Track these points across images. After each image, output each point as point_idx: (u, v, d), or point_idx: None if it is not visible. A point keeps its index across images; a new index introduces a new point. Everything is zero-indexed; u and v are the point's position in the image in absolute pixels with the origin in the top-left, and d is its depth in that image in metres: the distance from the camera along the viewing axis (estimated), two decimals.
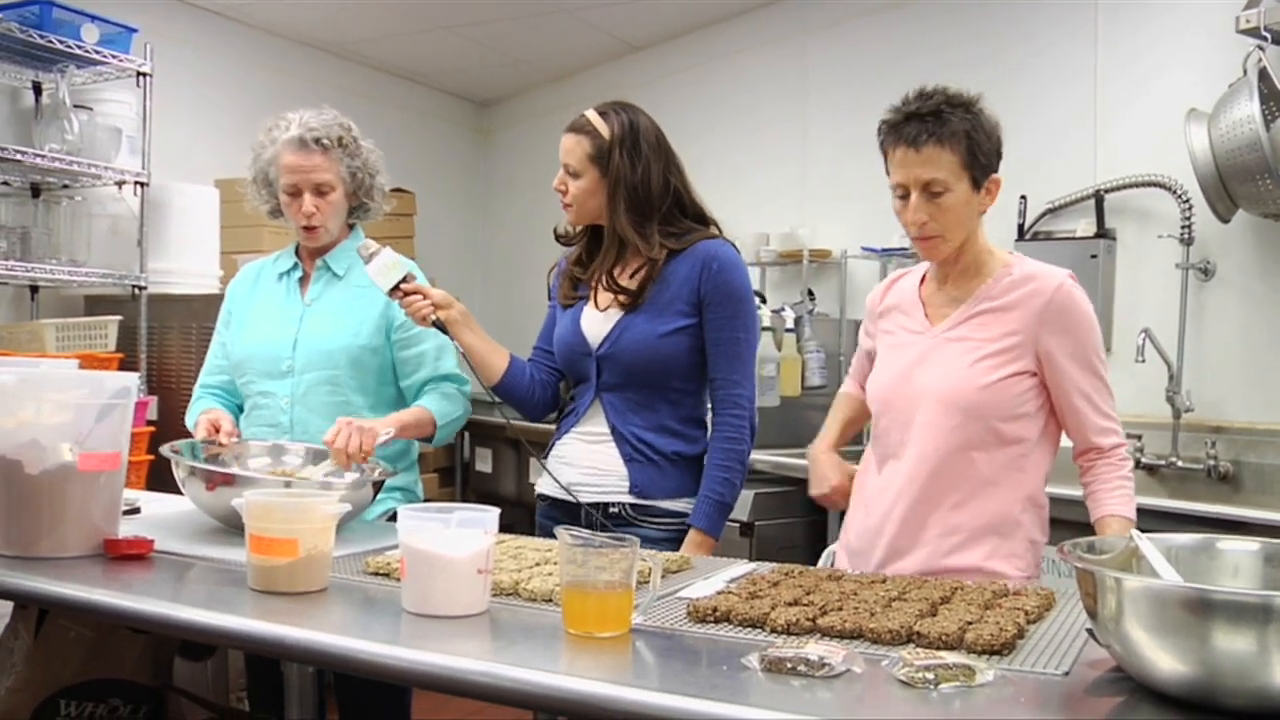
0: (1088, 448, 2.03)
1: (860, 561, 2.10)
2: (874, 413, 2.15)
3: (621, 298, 2.32)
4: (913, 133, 1.95)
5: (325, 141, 2.51)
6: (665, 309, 2.30)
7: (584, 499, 2.33)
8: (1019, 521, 2.01)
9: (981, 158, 1.96)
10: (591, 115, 2.34)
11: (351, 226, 2.67)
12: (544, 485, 2.44)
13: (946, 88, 1.98)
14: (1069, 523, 2.20)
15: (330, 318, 2.55)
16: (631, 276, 2.33)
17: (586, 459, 2.36)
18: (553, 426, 2.49)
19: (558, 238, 2.52)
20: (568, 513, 2.36)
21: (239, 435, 2.47)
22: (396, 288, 2.29)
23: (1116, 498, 2.00)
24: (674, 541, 2.28)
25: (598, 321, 2.36)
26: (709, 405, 2.40)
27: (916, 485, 2.02)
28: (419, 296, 2.29)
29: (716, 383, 2.34)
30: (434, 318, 2.30)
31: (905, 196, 1.99)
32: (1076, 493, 2.10)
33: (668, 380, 2.33)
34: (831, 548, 2.30)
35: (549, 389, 2.49)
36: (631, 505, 2.31)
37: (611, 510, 2.32)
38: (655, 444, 2.32)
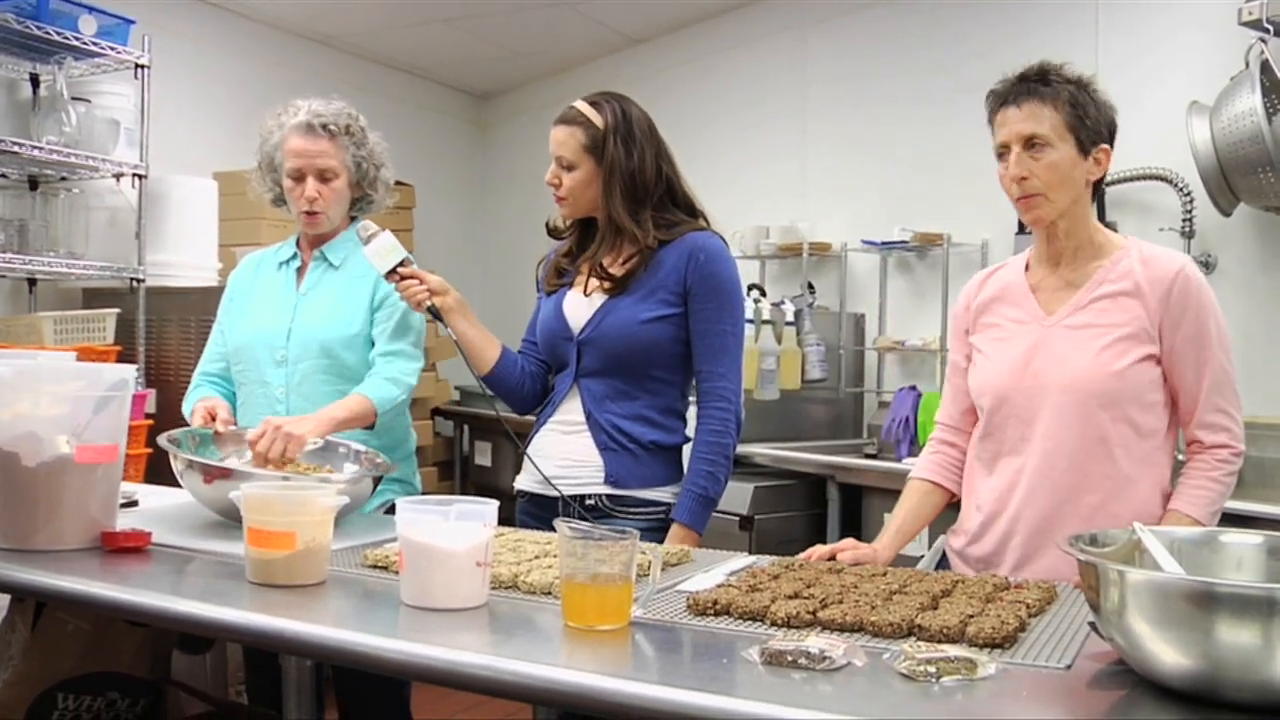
0: (1191, 439, 1.97)
1: (984, 565, 2.01)
2: (985, 408, 2.04)
3: (607, 284, 2.31)
4: (1016, 93, 1.94)
5: (332, 128, 2.52)
6: (649, 296, 2.29)
7: (562, 491, 2.31)
8: (1160, 520, 1.93)
9: (1089, 121, 1.91)
10: (582, 106, 2.33)
11: (353, 219, 2.66)
12: (522, 481, 2.43)
13: (1053, 65, 1.96)
14: None
15: (324, 307, 2.55)
16: (622, 264, 2.32)
17: (562, 450, 2.34)
18: None
19: (549, 231, 2.51)
20: (546, 507, 2.34)
21: (235, 423, 2.46)
22: (393, 271, 2.29)
23: (1195, 496, 1.93)
24: (654, 531, 2.25)
25: (581, 306, 2.35)
26: (690, 399, 2.39)
27: (1049, 483, 1.94)
28: (415, 281, 2.28)
29: (702, 375, 2.32)
30: (429, 303, 2.29)
31: (1005, 157, 1.96)
32: None
33: (648, 368, 2.31)
34: (940, 541, 2.18)
35: (538, 381, 2.48)
36: (608, 496, 2.29)
37: (589, 502, 2.30)
38: (632, 432, 2.30)
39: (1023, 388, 1.98)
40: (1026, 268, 2.08)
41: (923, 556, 2.18)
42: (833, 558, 1.91)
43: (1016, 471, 1.99)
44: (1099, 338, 1.93)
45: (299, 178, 2.52)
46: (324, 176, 2.52)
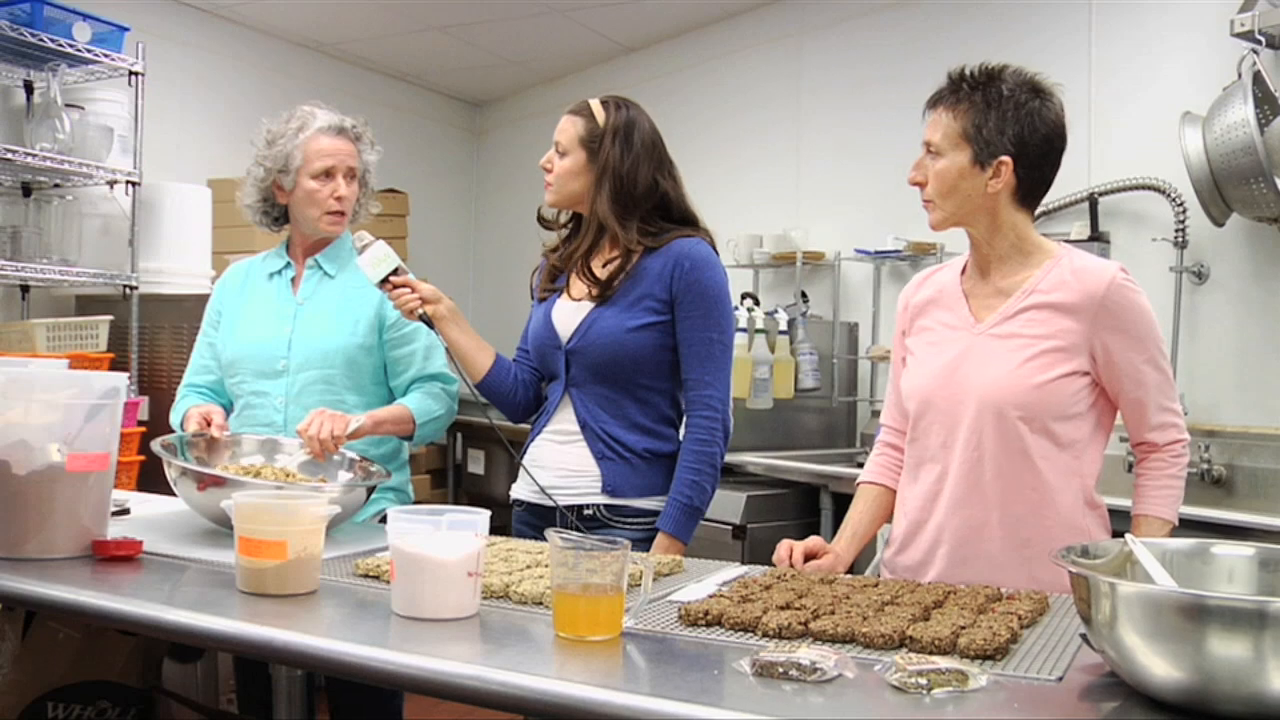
0: (1142, 440, 1.98)
1: (912, 575, 2.01)
2: (913, 413, 2.05)
3: (594, 290, 2.31)
4: (933, 98, 1.97)
5: (356, 131, 2.59)
6: (636, 304, 2.28)
7: (559, 501, 2.31)
8: (1085, 529, 1.94)
9: (985, 132, 1.90)
10: (593, 102, 2.35)
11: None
12: (518, 490, 2.43)
13: (1018, 69, 1.95)
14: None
15: (325, 317, 2.55)
16: (605, 266, 2.32)
17: (558, 460, 2.34)
18: None
19: (541, 221, 2.50)
20: (543, 517, 2.34)
21: (229, 429, 2.45)
22: (386, 280, 2.29)
23: (1161, 497, 1.95)
24: (650, 541, 2.26)
25: (568, 314, 2.35)
26: (681, 406, 2.39)
27: (975, 493, 1.94)
28: (407, 290, 2.29)
29: (688, 383, 2.31)
30: (421, 312, 2.29)
31: None
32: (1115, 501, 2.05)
33: (636, 377, 2.31)
34: (878, 560, 2.22)
35: (531, 389, 2.48)
36: (605, 506, 2.29)
37: (586, 513, 2.30)
38: (626, 441, 2.30)
39: (947, 395, 1.98)
40: (964, 271, 2.08)
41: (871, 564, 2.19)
42: (809, 557, 1.98)
43: (939, 480, 1.99)
44: (1024, 349, 1.93)
45: (329, 175, 2.53)
46: (352, 175, 2.58)
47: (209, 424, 2.40)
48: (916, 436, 2.04)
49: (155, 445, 2.22)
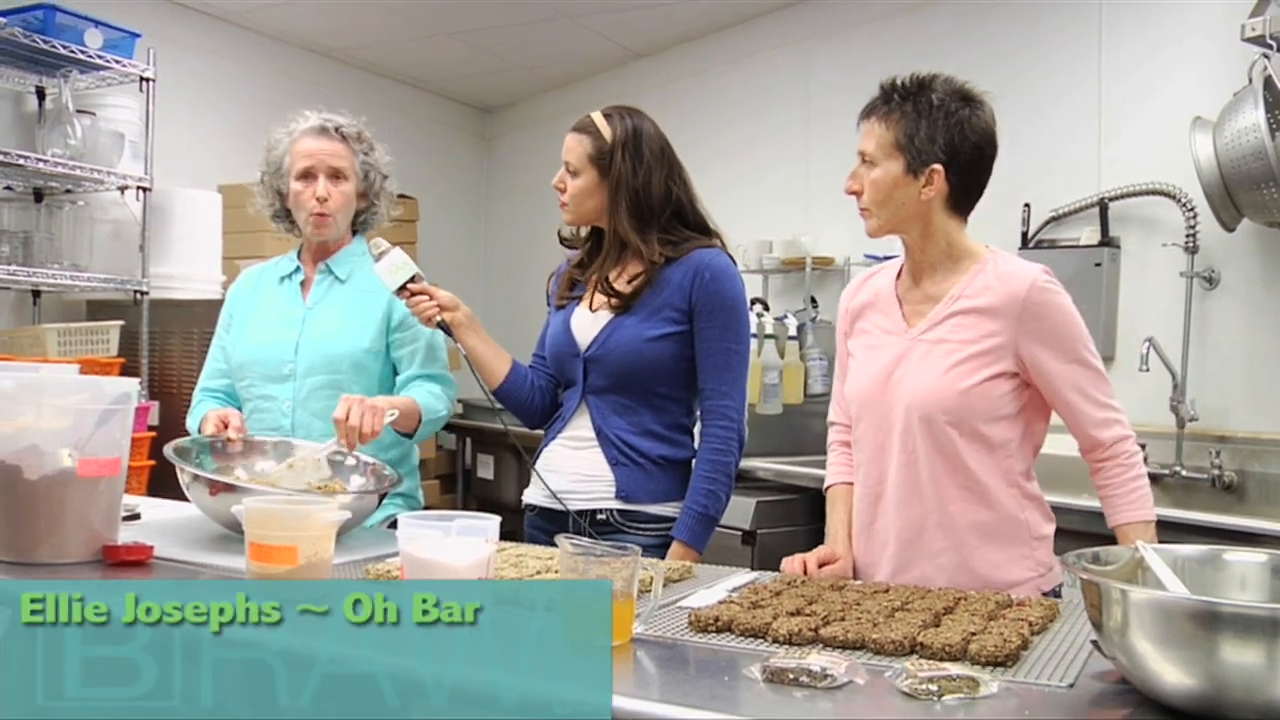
0: (1092, 444, 1.99)
1: (866, 574, 2.06)
2: (853, 415, 2.10)
3: (614, 300, 2.32)
4: (866, 109, 2.00)
5: (345, 131, 2.54)
6: (655, 314, 2.29)
7: (571, 506, 2.31)
8: (1026, 522, 1.98)
9: (917, 141, 1.93)
10: (596, 117, 2.34)
11: (355, 232, 2.66)
12: (531, 495, 2.43)
13: (948, 78, 1.98)
14: (1078, 534, 2.17)
15: (333, 321, 2.55)
16: (629, 282, 2.33)
17: (572, 465, 2.34)
18: None
19: (562, 240, 2.52)
20: (555, 522, 2.34)
21: (246, 431, 2.45)
22: (404, 287, 2.29)
23: (1132, 501, 1.96)
24: (663, 548, 2.26)
25: (588, 323, 2.35)
26: (695, 414, 2.39)
27: (913, 494, 1.98)
28: (425, 297, 2.29)
29: (705, 393, 2.32)
30: (439, 319, 2.29)
31: None
32: (1085, 503, 2.07)
33: (654, 385, 2.31)
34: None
35: (548, 395, 2.48)
36: (619, 512, 2.30)
37: (599, 518, 2.30)
38: (641, 447, 2.30)
39: (882, 400, 2.01)
40: (899, 275, 2.11)
41: None
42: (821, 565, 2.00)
43: (879, 482, 2.03)
44: (951, 354, 1.96)
45: (310, 176, 2.51)
46: (335, 175, 2.52)
47: (226, 426, 2.40)
48: (858, 439, 2.09)
49: (168, 450, 2.22)
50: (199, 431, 2.48)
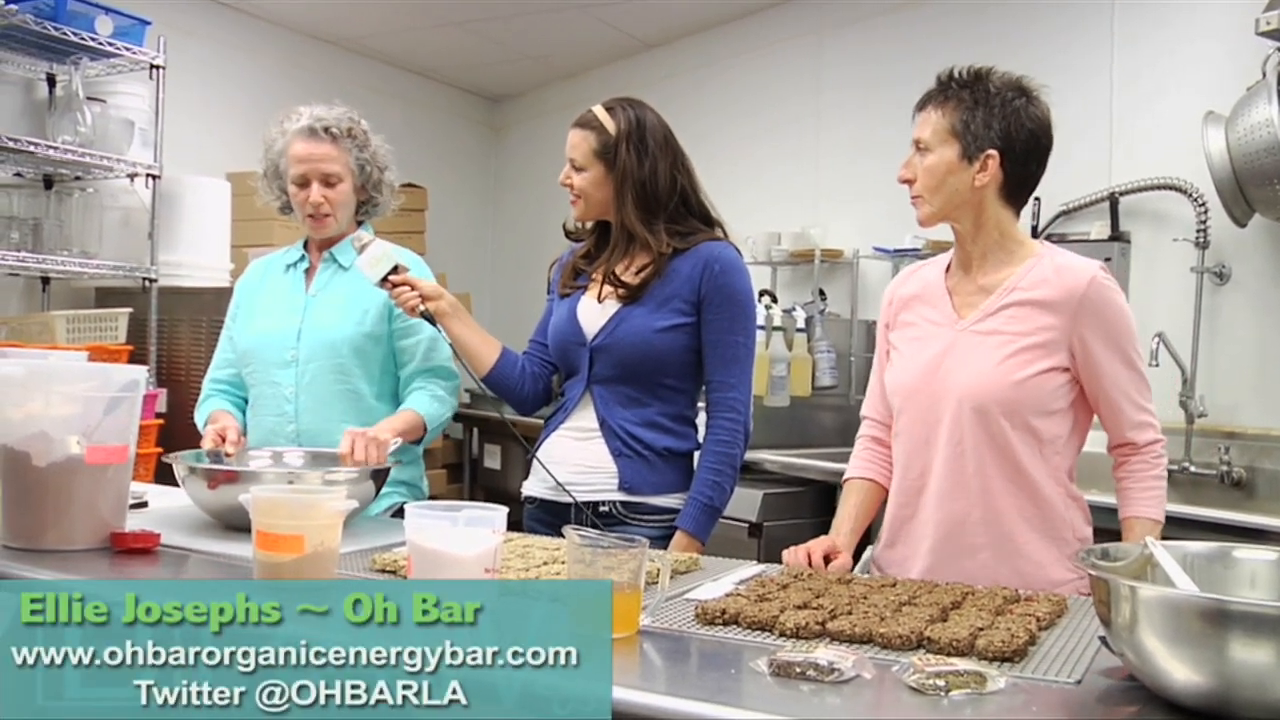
0: (1123, 442, 1.99)
1: (901, 569, 2.03)
2: (895, 407, 2.08)
3: (621, 291, 2.31)
4: (922, 99, 2.00)
5: (335, 131, 2.52)
6: (663, 305, 2.29)
7: (575, 497, 2.31)
8: (1069, 522, 1.97)
9: (974, 126, 1.93)
10: (598, 111, 2.33)
11: (360, 222, 2.66)
12: (531, 486, 2.43)
13: (1005, 71, 1.98)
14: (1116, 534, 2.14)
15: (334, 307, 2.56)
16: (637, 273, 2.32)
17: (575, 456, 2.34)
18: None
19: (567, 233, 2.51)
20: (557, 514, 2.34)
21: (244, 444, 2.47)
22: (385, 279, 2.29)
23: (1147, 498, 1.96)
24: (666, 539, 2.26)
25: (594, 313, 2.35)
26: (699, 406, 2.39)
27: (958, 488, 1.96)
28: (407, 287, 2.29)
29: (712, 385, 2.32)
30: (423, 309, 2.29)
31: None
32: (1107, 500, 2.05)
33: (660, 377, 2.31)
34: (867, 556, 2.21)
35: (541, 381, 2.47)
36: (622, 503, 2.29)
37: (602, 509, 2.30)
38: (644, 439, 2.30)
39: (929, 391, 2.00)
40: (948, 269, 2.09)
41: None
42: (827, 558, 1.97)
43: (922, 475, 2.01)
44: (1004, 345, 1.95)
45: (303, 183, 2.52)
46: (328, 181, 2.52)
47: (223, 440, 2.41)
48: (900, 431, 2.07)
49: (172, 461, 2.22)
50: (203, 428, 2.51)
